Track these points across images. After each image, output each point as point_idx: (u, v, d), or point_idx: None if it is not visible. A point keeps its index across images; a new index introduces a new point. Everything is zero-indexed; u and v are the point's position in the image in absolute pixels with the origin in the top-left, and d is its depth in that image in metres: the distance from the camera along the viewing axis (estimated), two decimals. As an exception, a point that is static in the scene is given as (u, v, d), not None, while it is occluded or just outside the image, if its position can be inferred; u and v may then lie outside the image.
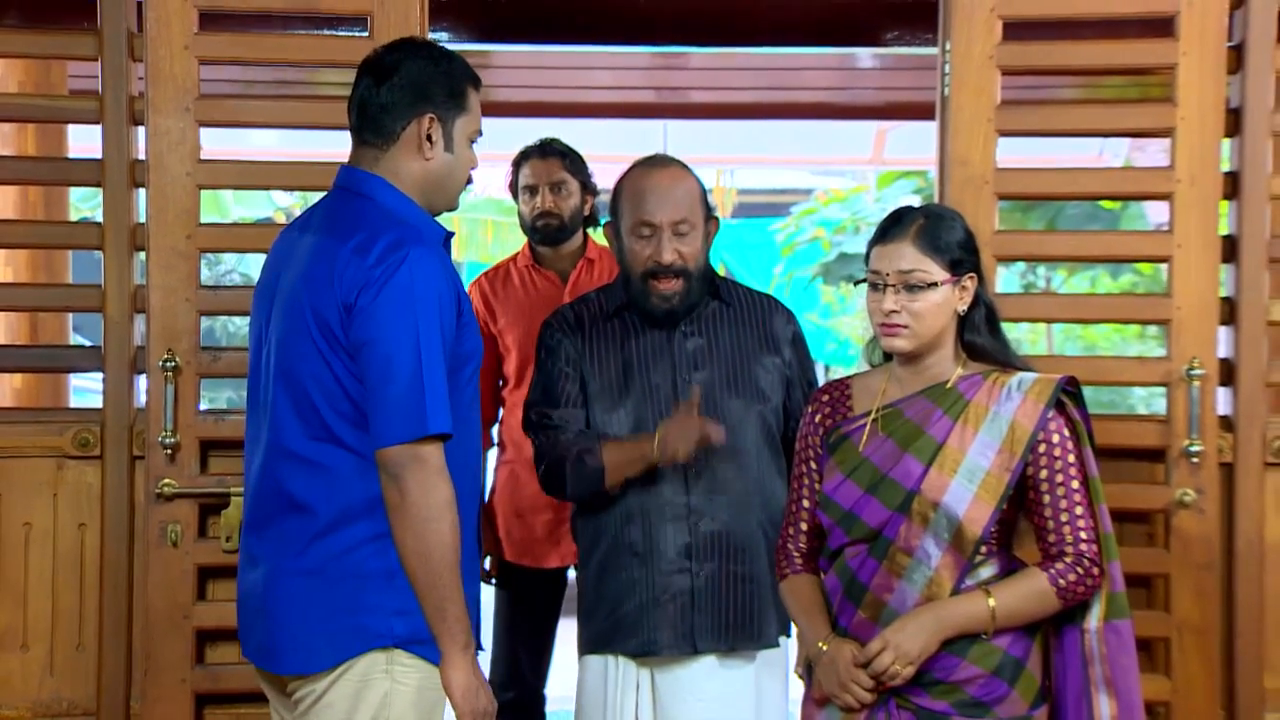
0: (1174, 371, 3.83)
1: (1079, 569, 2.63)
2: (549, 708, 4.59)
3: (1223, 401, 3.90)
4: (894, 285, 2.65)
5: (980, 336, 2.73)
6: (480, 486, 2.88)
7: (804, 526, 2.86)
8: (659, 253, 3.17)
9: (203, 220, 3.83)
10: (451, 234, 2.81)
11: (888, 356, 2.82)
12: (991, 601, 2.60)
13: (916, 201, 13.55)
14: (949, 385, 2.70)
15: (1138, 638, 3.83)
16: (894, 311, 2.64)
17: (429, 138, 2.70)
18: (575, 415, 3.25)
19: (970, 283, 2.71)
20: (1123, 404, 13.14)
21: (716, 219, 3.31)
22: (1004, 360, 2.74)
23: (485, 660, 4.31)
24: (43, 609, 3.87)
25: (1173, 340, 3.85)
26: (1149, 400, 13.13)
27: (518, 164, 4.40)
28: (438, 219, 2.80)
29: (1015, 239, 4.56)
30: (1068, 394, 2.69)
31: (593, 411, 3.25)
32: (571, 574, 4.29)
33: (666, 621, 3.17)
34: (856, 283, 2.79)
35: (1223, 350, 3.89)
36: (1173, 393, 3.83)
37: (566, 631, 4.43)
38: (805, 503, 2.86)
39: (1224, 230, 3.90)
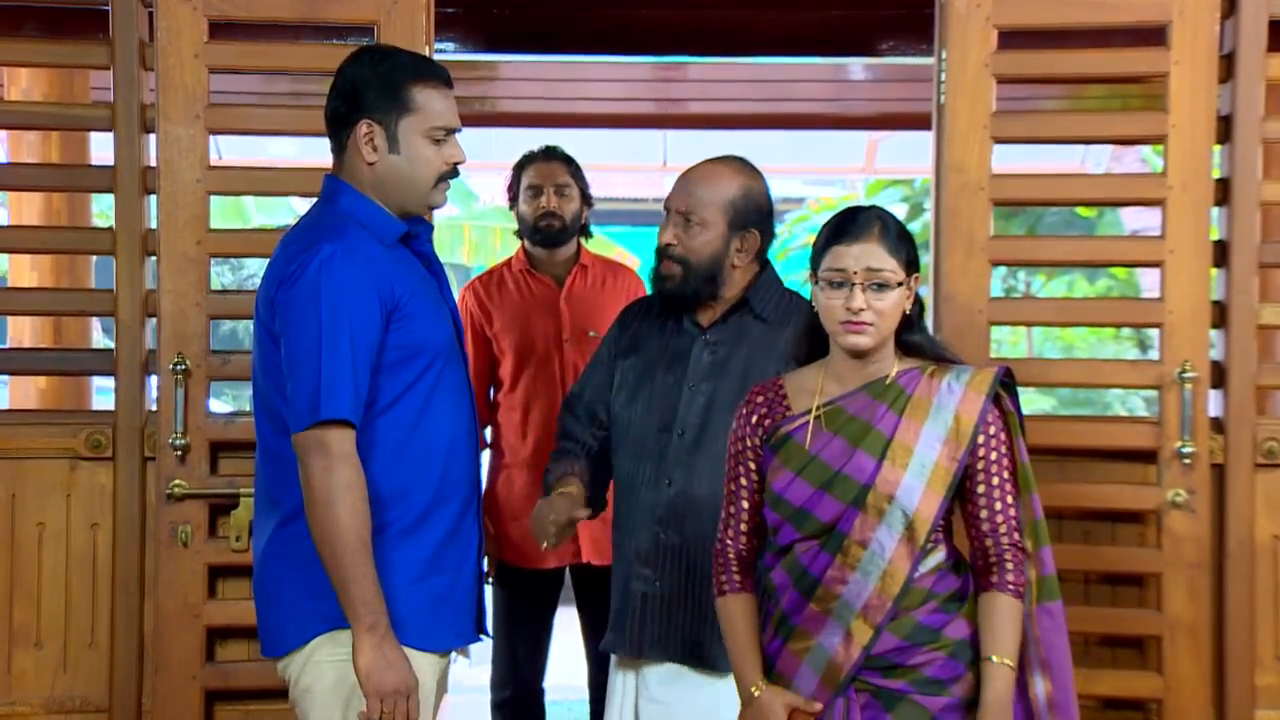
0: (1166, 374, 3.68)
1: (1019, 566, 2.54)
2: (554, 696, 4.45)
3: (1213, 404, 3.74)
4: (861, 284, 2.53)
5: (916, 334, 2.64)
6: (471, 471, 2.78)
7: (743, 528, 2.70)
8: (661, 235, 3.06)
9: (224, 227, 3.70)
10: (417, 229, 2.75)
11: (814, 354, 2.69)
12: (1006, 660, 2.50)
13: (904, 209, 13.74)
14: (889, 381, 2.59)
15: (1130, 635, 3.77)
16: (862, 310, 2.53)
17: (369, 143, 2.65)
18: (585, 403, 3.19)
19: (915, 283, 2.61)
20: (1098, 402, 13.02)
21: (757, 234, 3.07)
22: (936, 355, 2.65)
23: (484, 649, 4.23)
24: (56, 607, 3.75)
25: (1165, 344, 3.70)
26: (1124, 398, 13.03)
27: (521, 167, 4.28)
28: (411, 216, 2.75)
29: (1011, 244, 4.41)
30: (1003, 385, 2.60)
31: (616, 400, 3.14)
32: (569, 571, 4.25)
33: (625, 624, 3.04)
34: (815, 281, 2.60)
35: (1213, 353, 3.74)
36: (1165, 395, 3.69)
37: (564, 625, 4.33)
38: (745, 503, 2.69)
39: (1214, 235, 3.74)
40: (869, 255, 2.53)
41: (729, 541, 2.71)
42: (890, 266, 2.53)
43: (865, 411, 2.58)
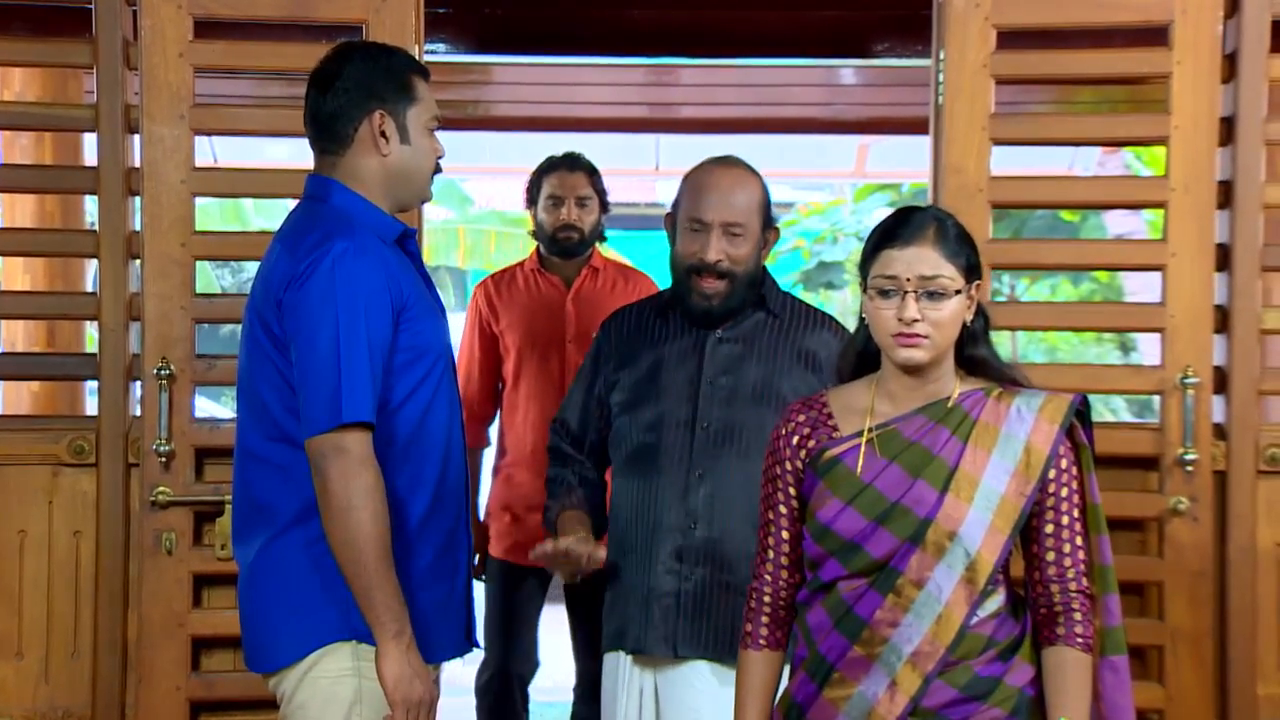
0: (1168, 380, 3.52)
1: (1087, 616, 2.28)
2: (543, 699, 4.32)
3: (1215, 409, 3.57)
4: (914, 291, 2.24)
5: (980, 349, 2.34)
6: (463, 478, 2.65)
7: (783, 561, 2.39)
8: (705, 250, 2.88)
9: (216, 230, 3.52)
10: (411, 230, 2.65)
11: (861, 370, 2.41)
12: None
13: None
14: (950, 403, 2.30)
15: (1131, 645, 3.56)
16: (916, 320, 2.23)
17: (382, 134, 2.54)
18: (578, 421, 3.06)
19: (976, 291, 2.32)
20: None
21: (777, 229, 3.01)
22: (1002, 374, 2.35)
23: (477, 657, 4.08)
24: (37, 616, 3.57)
25: (1166, 349, 3.54)
26: (1107, 400, 12.86)
27: (543, 173, 4.16)
28: (403, 213, 2.67)
29: (1010, 248, 4.24)
30: (1077, 415, 2.31)
31: (614, 410, 3.00)
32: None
33: (654, 621, 2.88)
34: (863, 289, 2.33)
35: (1215, 358, 3.57)
36: (1166, 401, 3.52)
37: (549, 626, 4.21)
38: (784, 534, 2.39)
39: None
40: (922, 260, 2.24)
41: (766, 579, 2.42)
42: (947, 272, 2.24)
43: (925, 436, 2.28)
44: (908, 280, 2.24)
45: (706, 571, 2.85)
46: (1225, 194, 3.55)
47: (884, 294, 2.26)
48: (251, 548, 2.53)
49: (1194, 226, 3.51)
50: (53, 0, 4.10)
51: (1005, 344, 13.05)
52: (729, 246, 2.88)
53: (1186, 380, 3.48)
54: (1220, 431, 3.56)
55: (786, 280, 14.77)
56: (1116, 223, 12.63)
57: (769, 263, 3.06)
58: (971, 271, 2.30)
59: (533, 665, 4.25)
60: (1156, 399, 3.58)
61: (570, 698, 4.23)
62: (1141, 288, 11.50)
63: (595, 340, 3.11)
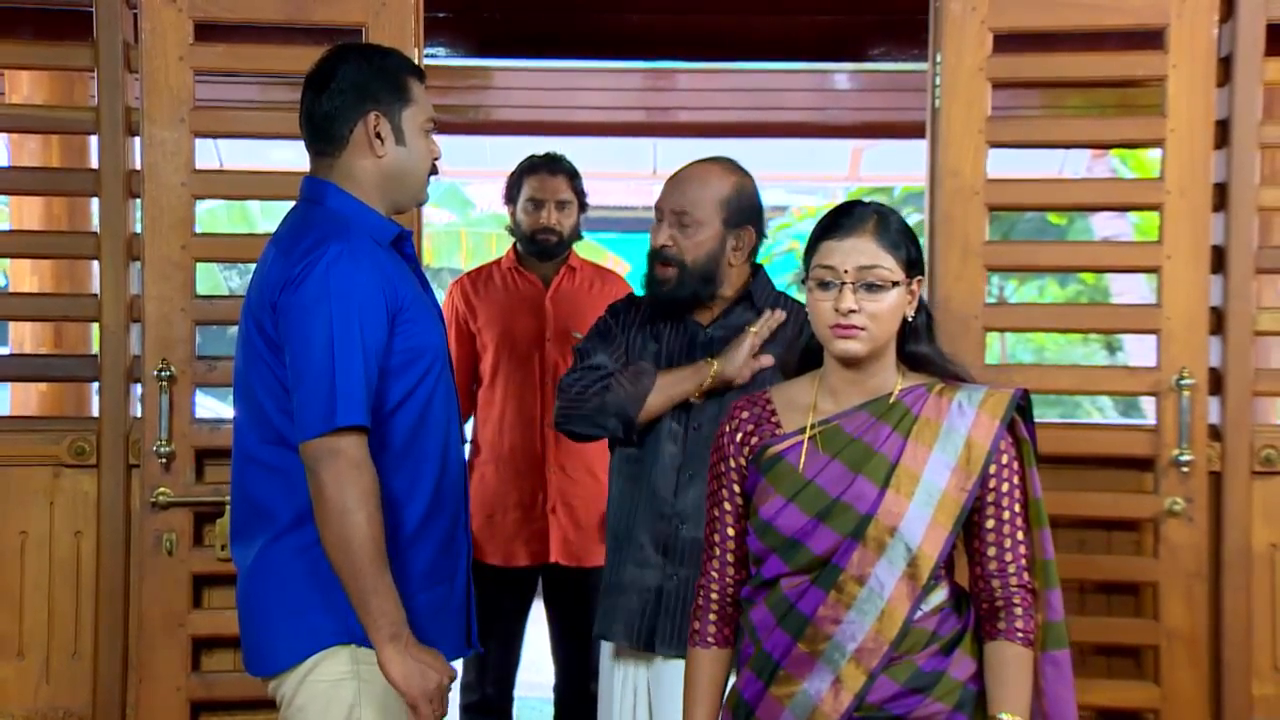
0: (1163, 381, 3.44)
1: (1028, 611, 2.21)
2: (527, 694, 4.27)
3: (1210, 410, 3.48)
4: (851, 283, 2.18)
5: (922, 345, 2.28)
6: (461, 478, 2.58)
7: (729, 559, 2.33)
8: (654, 238, 2.87)
9: (231, 231, 3.45)
10: (407, 233, 2.57)
11: (805, 365, 2.36)
12: (1017, 718, 2.17)
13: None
14: (892, 399, 2.24)
15: (1127, 645, 3.52)
16: (853, 311, 2.17)
17: (378, 135, 2.47)
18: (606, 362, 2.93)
19: (918, 286, 2.26)
20: (1067, 403, 12.78)
21: (754, 230, 2.93)
22: (945, 371, 2.29)
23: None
24: (38, 617, 3.50)
25: (1162, 350, 3.45)
26: (1094, 399, 12.80)
27: (523, 173, 4.06)
28: (402, 216, 2.60)
29: (1006, 249, 4.12)
30: (1018, 409, 2.25)
31: None
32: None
33: (634, 615, 2.84)
34: (803, 281, 2.28)
35: (1210, 360, 3.48)
36: (1162, 402, 3.44)
37: (537, 628, 4.12)
38: (730, 530, 2.33)
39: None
40: (860, 252, 2.18)
41: (713, 576, 2.36)
42: (886, 264, 2.18)
43: (867, 433, 2.22)
44: (845, 271, 2.18)
45: (690, 572, 2.79)
46: (1220, 196, 3.47)
47: (823, 285, 2.21)
48: (250, 550, 2.46)
49: (1189, 229, 3.43)
50: (54, 4, 4.01)
51: (995, 344, 13.02)
52: (679, 235, 2.85)
53: (1182, 382, 3.40)
54: (1215, 433, 3.48)
55: (780, 281, 14.69)
56: (1103, 225, 12.56)
57: (765, 265, 2.99)
58: (912, 266, 2.24)
59: (513, 677, 4.11)
60: (1144, 399, 3.50)
61: (549, 694, 4.16)
62: (1127, 289, 11.44)
63: (602, 321, 3.01)
